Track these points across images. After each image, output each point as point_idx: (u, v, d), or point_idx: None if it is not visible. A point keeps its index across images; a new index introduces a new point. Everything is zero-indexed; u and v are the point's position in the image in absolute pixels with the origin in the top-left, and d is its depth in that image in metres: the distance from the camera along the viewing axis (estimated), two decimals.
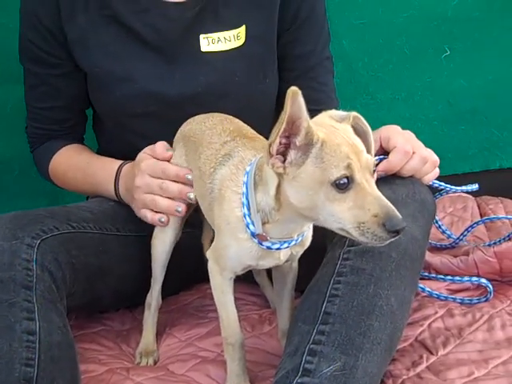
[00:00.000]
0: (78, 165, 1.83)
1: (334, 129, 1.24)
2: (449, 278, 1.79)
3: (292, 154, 1.21)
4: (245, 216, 1.33)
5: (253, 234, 1.34)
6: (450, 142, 2.49)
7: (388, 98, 2.43)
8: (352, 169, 1.19)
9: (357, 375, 1.30)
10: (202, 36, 1.73)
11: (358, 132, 1.29)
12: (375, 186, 1.22)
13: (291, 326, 1.44)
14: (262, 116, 1.76)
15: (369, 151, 1.27)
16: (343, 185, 1.19)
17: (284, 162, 1.22)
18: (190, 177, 1.55)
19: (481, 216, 2.19)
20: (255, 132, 1.52)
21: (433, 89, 2.44)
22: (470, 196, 2.32)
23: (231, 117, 1.57)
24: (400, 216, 1.19)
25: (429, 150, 1.54)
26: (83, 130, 1.96)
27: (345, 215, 1.20)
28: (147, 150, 1.62)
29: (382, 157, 1.51)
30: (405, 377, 1.47)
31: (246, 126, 1.54)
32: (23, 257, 1.43)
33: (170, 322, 1.77)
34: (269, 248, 1.35)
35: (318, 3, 1.84)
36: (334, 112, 1.31)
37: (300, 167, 1.21)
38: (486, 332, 1.61)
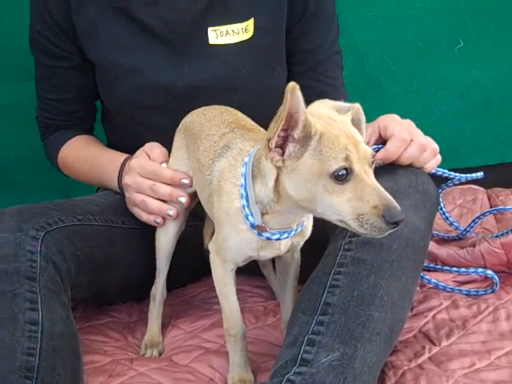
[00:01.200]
0: (86, 156, 1.85)
1: (332, 120, 1.24)
2: (455, 269, 1.78)
3: (290, 147, 1.21)
4: (244, 207, 1.34)
5: (252, 225, 1.34)
6: (464, 134, 2.48)
7: (400, 91, 2.42)
8: (350, 160, 1.19)
9: (355, 365, 1.30)
10: (210, 29, 1.73)
11: (354, 122, 1.29)
12: (374, 177, 1.22)
13: (291, 317, 1.44)
14: (270, 109, 1.75)
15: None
16: (342, 176, 1.19)
17: (283, 155, 1.22)
18: (186, 181, 1.56)
19: (491, 208, 2.17)
20: (254, 123, 1.52)
21: (446, 81, 2.43)
22: (481, 188, 2.30)
23: (231, 109, 1.57)
24: (399, 207, 1.19)
25: (427, 138, 1.53)
26: (93, 120, 1.99)
27: (344, 207, 1.20)
28: (147, 147, 1.64)
29: (380, 146, 1.51)
30: (406, 367, 1.46)
31: (245, 117, 1.55)
32: (28, 248, 1.45)
33: (176, 314, 1.78)
34: (268, 239, 1.36)
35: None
36: (332, 102, 1.31)
37: (299, 160, 1.21)
38: (490, 323, 1.60)
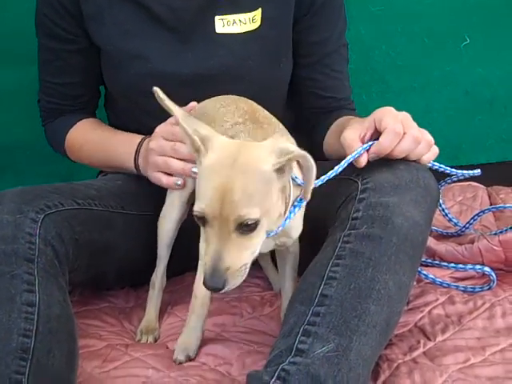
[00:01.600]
0: (94, 139, 1.85)
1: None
2: (452, 265, 1.78)
3: None
4: None
5: None
6: (467, 132, 2.47)
7: (404, 87, 2.41)
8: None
9: (350, 357, 1.30)
10: (217, 17, 1.73)
11: (302, 167, 1.30)
12: None
13: (288, 308, 1.44)
14: (275, 101, 1.76)
15: (310, 185, 1.30)
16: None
17: None
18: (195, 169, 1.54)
19: (490, 205, 2.17)
20: (268, 113, 1.53)
21: (451, 78, 2.42)
22: (481, 185, 2.29)
23: (245, 98, 1.58)
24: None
25: (422, 130, 1.51)
26: (96, 105, 1.98)
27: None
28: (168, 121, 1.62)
29: (373, 142, 1.50)
30: (400, 361, 1.47)
31: (259, 108, 1.55)
32: (26, 231, 1.45)
33: (173, 301, 1.79)
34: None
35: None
36: (281, 145, 1.28)
37: None
38: (486, 320, 1.60)
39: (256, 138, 1.39)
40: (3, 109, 2.32)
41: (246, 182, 1.21)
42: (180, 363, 1.52)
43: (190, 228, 1.65)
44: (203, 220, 1.23)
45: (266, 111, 1.54)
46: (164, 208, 1.67)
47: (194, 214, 1.23)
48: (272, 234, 1.36)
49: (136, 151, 1.72)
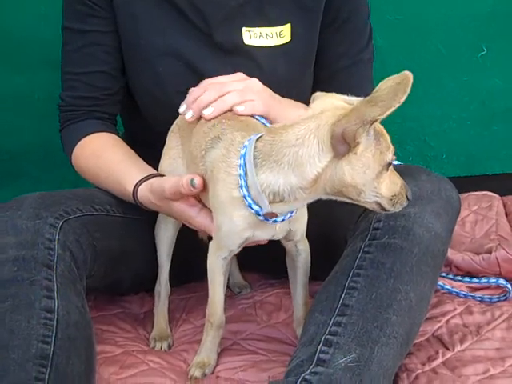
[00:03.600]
0: (100, 165, 1.73)
1: None
2: (466, 279, 1.78)
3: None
4: (245, 197, 1.34)
5: (257, 213, 1.34)
6: (482, 142, 2.46)
7: (420, 96, 2.39)
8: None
9: (371, 367, 1.30)
10: (244, 29, 1.72)
11: None
12: None
13: (308, 317, 1.44)
14: None
15: None
16: (388, 165, 1.30)
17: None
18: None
19: (506, 215, 2.17)
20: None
21: (467, 88, 2.41)
22: (496, 195, 2.29)
23: None
24: None
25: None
26: (120, 104, 1.85)
27: (385, 190, 1.30)
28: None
29: None
30: (419, 371, 1.47)
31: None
32: (46, 236, 1.44)
33: (188, 308, 1.79)
34: (266, 219, 1.37)
35: (360, 8, 1.82)
36: (339, 96, 1.35)
37: (366, 147, 1.26)
38: (504, 330, 1.60)
39: (244, 130, 1.41)
40: (15, 114, 2.32)
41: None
42: (196, 379, 1.51)
43: (192, 234, 1.65)
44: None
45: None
46: (159, 216, 1.67)
47: (389, 163, 1.30)
48: (294, 213, 1.39)
49: (135, 201, 1.63)
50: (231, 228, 1.39)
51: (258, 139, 1.34)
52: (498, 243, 1.86)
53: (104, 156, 1.73)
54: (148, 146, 1.72)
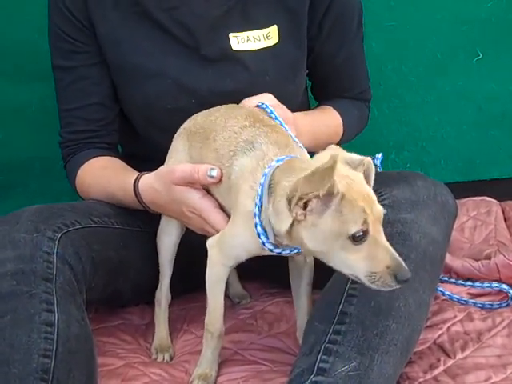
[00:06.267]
0: (101, 182, 1.76)
1: (351, 180, 1.25)
2: (469, 283, 1.78)
3: (314, 203, 1.23)
4: (256, 225, 1.33)
5: (263, 243, 1.34)
6: (479, 146, 2.46)
7: (417, 102, 2.40)
8: (367, 223, 1.22)
9: (372, 376, 1.30)
10: (231, 35, 1.73)
11: (364, 175, 1.30)
12: (384, 237, 1.25)
13: (307, 326, 1.45)
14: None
15: None
16: (359, 237, 1.22)
17: (305, 209, 1.23)
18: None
19: (505, 221, 2.16)
20: (268, 117, 1.52)
21: (463, 93, 2.41)
22: (495, 200, 2.29)
23: (232, 104, 1.59)
24: (406, 267, 1.23)
25: None
26: (117, 136, 1.88)
27: (358, 264, 1.24)
28: None
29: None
30: (421, 379, 1.47)
31: (256, 109, 1.55)
32: (44, 249, 1.44)
33: (189, 318, 1.78)
34: (279, 253, 1.37)
35: (347, 13, 1.84)
36: (344, 154, 1.31)
37: (320, 217, 1.23)
38: (505, 337, 1.59)
39: (278, 144, 1.39)
40: (12, 126, 2.31)
41: (366, 185, 1.28)
42: None
43: (195, 242, 1.65)
44: (363, 233, 1.22)
45: (263, 113, 1.54)
46: (161, 222, 1.66)
47: (357, 235, 1.22)
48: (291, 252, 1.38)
49: (135, 193, 1.64)
50: (245, 240, 1.38)
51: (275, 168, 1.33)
52: (497, 249, 1.86)
53: (109, 167, 1.77)
54: (145, 162, 1.72)
